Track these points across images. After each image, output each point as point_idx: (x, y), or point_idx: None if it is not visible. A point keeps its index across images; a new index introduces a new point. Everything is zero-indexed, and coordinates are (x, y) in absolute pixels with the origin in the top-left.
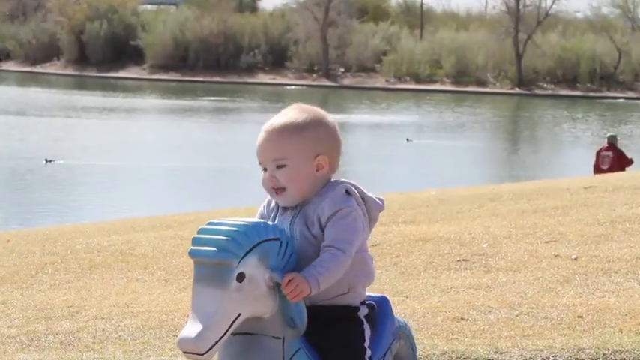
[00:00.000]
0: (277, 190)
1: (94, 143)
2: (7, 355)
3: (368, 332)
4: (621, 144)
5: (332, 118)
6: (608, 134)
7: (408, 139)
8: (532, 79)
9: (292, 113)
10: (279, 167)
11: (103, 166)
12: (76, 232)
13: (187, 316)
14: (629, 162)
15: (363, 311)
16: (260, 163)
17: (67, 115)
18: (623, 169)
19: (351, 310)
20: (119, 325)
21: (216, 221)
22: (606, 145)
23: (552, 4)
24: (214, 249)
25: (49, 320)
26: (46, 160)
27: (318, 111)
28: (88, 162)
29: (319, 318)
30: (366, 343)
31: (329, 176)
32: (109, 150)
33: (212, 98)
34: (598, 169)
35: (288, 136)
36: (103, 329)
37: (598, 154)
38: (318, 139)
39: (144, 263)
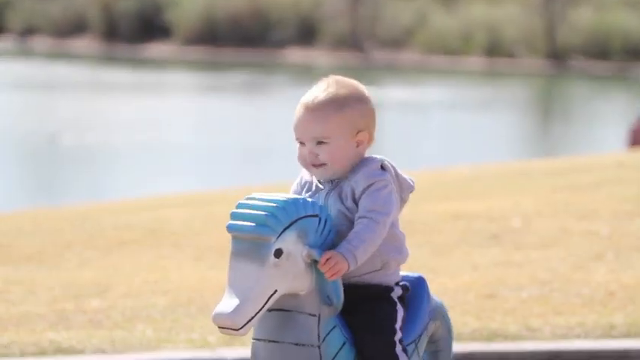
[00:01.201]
0: (317, 166)
1: (121, 119)
2: (36, 334)
3: (401, 314)
4: None
5: (368, 91)
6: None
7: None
8: (565, 54)
9: (332, 89)
10: (319, 143)
11: (132, 143)
12: (104, 209)
13: (217, 292)
14: None
15: (397, 292)
16: (297, 138)
17: (95, 90)
18: None
19: (384, 290)
20: (148, 303)
21: (255, 196)
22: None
23: None
24: (253, 224)
25: (78, 298)
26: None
27: (357, 85)
28: (116, 138)
29: (353, 297)
30: (397, 325)
31: (366, 151)
32: (137, 126)
33: (241, 74)
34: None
35: (331, 113)
36: (132, 307)
37: (636, 131)
38: (359, 116)
39: (173, 240)
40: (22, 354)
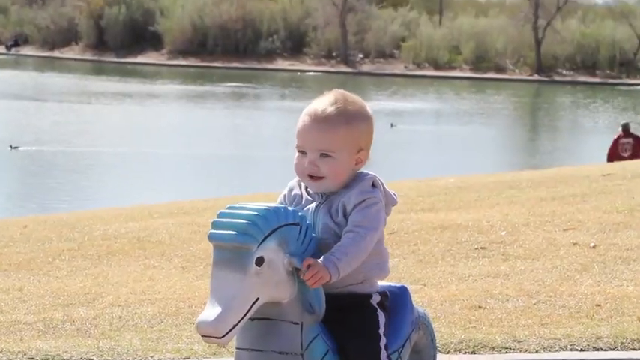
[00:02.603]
0: (314, 178)
1: (111, 129)
2: (24, 342)
3: (382, 319)
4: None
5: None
6: (622, 122)
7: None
8: (551, 65)
9: (342, 103)
10: (322, 156)
11: (121, 153)
12: (94, 218)
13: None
14: None
15: (376, 298)
16: (300, 147)
17: (85, 100)
18: None
19: (363, 298)
20: (136, 313)
21: (236, 205)
22: (622, 133)
23: None
24: (234, 232)
25: (66, 307)
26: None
27: (363, 103)
28: (106, 148)
29: (334, 306)
30: (381, 330)
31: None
32: (126, 136)
33: (230, 84)
34: (617, 157)
35: (340, 127)
36: (120, 316)
37: (616, 142)
38: (363, 134)
39: (161, 250)
40: None
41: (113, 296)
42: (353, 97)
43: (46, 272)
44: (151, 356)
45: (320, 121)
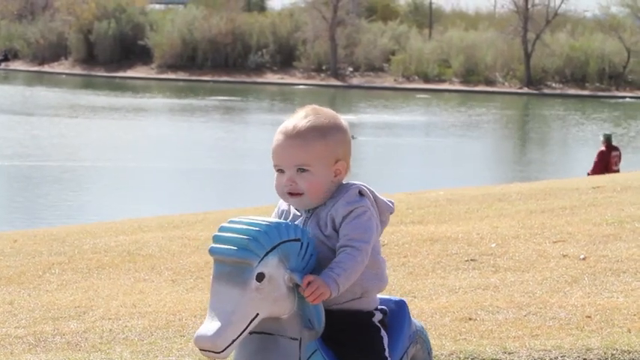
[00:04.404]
0: (294, 195)
1: (101, 143)
2: (14, 356)
3: (386, 340)
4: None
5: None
6: (605, 134)
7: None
8: (541, 78)
9: (313, 117)
10: (299, 171)
11: (111, 167)
12: (83, 232)
13: (195, 314)
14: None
15: (378, 317)
16: (276, 165)
17: (74, 114)
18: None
19: (365, 316)
20: (126, 326)
21: (237, 219)
22: (605, 147)
23: (561, 4)
24: (235, 248)
25: (56, 321)
26: None
27: (335, 115)
28: (95, 162)
29: (335, 324)
30: (386, 353)
31: (343, 180)
32: (116, 150)
33: (220, 98)
34: (609, 170)
35: (313, 140)
36: (110, 330)
37: (607, 155)
38: (338, 145)
39: (151, 264)
40: None
41: (103, 309)
42: (324, 110)
43: (36, 286)
44: None
45: (293, 136)
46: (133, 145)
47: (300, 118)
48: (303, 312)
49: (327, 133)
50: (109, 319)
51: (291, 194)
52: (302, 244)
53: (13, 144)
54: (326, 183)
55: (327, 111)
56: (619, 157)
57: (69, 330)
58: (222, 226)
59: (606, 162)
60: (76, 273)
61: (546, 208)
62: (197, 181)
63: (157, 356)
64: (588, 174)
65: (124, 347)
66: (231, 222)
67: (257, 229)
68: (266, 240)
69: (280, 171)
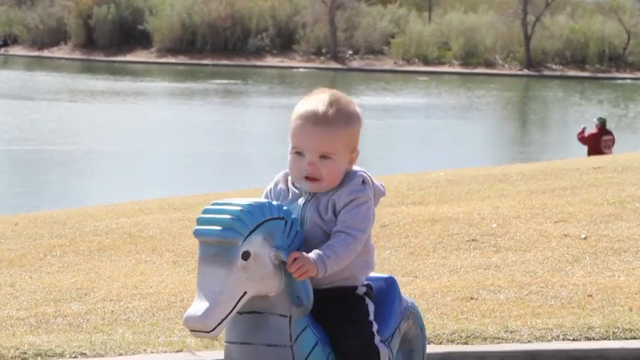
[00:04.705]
0: (311, 179)
1: (101, 127)
2: (16, 338)
3: (372, 307)
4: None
5: None
6: (599, 118)
7: None
8: (541, 60)
9: (338, 105)
10: (322, 158)
11: (110, 150)
12: (84, 214)
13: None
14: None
15: (361, 290)
16: (296, 148)
17: (74, 99)
18: None
19: (349, 290)
20: (128, 307)
21: (220, 201)
22: (599, 129)
23: None
24: (219, 228)
25: (58, 302)
26: None
27: (354, 102)
28: (96, 146)
29: (322, 300)
30: (371, 317)
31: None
32: (115, 134)
33: (220, 81)
34: (599, 153)
35: (339, 130)
36: (112, 311)
37: (598, 138)
38: (357, 134)
39: (152, 245)
40: (2, 357)
41: (105, 291)
42: (346, 97)
43: (37, 268)
44: (144, 350)
45: (321, 122)
46: (133, 128)
47: (325, 104)
48: (292, 289)
49: (350, 122)
50: (111, 300)
51: (308, 179)
52: (286, 222)
53: (12, 128)
54: (343, 171)
55: (349, 98)
56: (612, 141)
57: (70, 312)
58: (205, 208)
59: (595, 145)
60: (77, 255)
61: (547, 188)
62: (197, 163)
63: (158, 337)
64: (578, 136)
65: (125, 328)
66: (214, 204)
67: (240, 208)
68: (249, 219)
69: (299, 154)
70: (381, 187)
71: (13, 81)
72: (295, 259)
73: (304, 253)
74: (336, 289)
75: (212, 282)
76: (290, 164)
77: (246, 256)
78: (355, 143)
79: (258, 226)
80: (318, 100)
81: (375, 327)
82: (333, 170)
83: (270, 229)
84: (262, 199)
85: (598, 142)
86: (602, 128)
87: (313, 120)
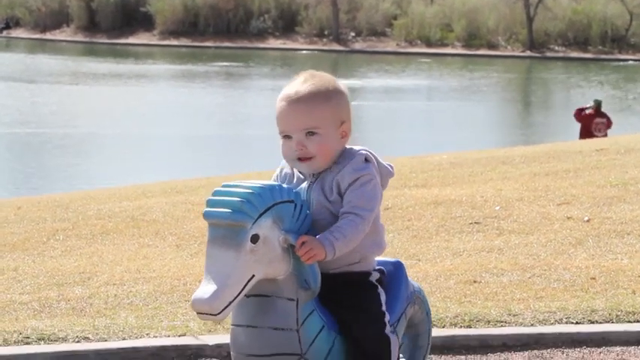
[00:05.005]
0: (304, 159)
1: (103, 110)
2: (19, 322)
3: (383, 297)
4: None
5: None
6: (595, 100)
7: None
8: (543, 42)
9: (312, 81)
10: (308, 135)
11: (112, 133)
12: (87, 198)
13: (199, 279)
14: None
15: (375, 276)
16: (282, 132)
17: (76, 82)
18: None
19: (362, 276)
20: (131, 291)
21: (230, 183)
22: (594, 111)
23: None
24: (229, 210)
25: (61, 287)
26: None
27: (334, 78)
28: (97, 128)
29: (333, 285)
30: (384, 308)
31: (347, 142)
32: (118, 116)
33: (222, 64)
34: (590, 136)
35: (318, 103)
36: (115, 295)
37: (591, 119)
38: (342, 106)
39: (155, 229)
40: (5, 342)
41: (108, 275)
42: (320, 73)
43: (40, 252)
44: (147, 334)
45: (296, 101)
46: (135, 111)
47: (299, 83)
48: (299, 272)
49: (329, 96)
50: (114, 284)
51: (301, 159)
52: (295, 205)
53: (13, 111)
54: (334, 145)
55: (324, 74)
56: (604, 124)
57: (74, 296)
58: (215, 190)
59: (587, 125)
60: (80, 239)
61: (550, 170)
62: (199, 146)
63: (161, 321)
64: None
65: (128, 312)
66: (224, 186)
67: (250, 191)
68: (259, 202)
69: (287, 137)
70: (389, 168)
71: (15, 64)
72: (304, 243)
73: (312, 237)
74: (348, 273)
75: (220, 264)
76: (282, 150)
77: (255, 239)
78: (342, 115)
79: (267, 209)
80: (293, 83)
81: (387, 317)
82: (322, 145)
83: (279, 213)
84: (272, 182)
85: (590, 123)
86: (597, 110)
87: (289, 100)
